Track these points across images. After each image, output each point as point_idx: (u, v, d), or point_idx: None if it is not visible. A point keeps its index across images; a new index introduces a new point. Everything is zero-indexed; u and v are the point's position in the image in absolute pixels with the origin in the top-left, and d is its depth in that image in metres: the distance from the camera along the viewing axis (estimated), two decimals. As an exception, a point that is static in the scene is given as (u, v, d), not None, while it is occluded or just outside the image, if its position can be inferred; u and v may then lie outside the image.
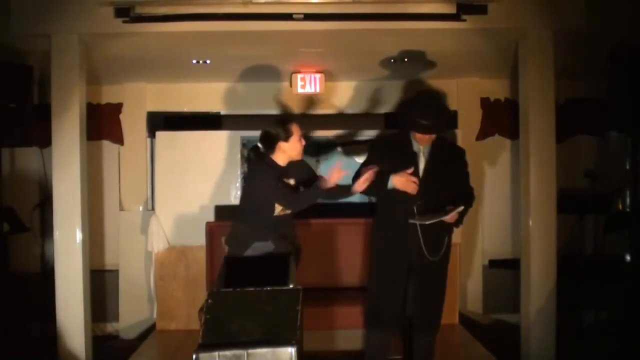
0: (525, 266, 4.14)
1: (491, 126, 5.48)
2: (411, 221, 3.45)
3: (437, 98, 3.60)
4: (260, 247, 3.57)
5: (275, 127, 3.56)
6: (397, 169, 3.49)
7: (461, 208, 3.41)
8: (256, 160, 3.61)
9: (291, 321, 2.79)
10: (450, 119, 3.55)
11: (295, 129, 3.55)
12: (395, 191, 3.47)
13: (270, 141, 3.56)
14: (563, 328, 4.20)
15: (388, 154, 3.61)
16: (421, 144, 3.55)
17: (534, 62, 4.05)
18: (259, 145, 3.63)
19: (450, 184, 3.54)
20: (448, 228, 3.59)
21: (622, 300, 4.59)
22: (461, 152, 3.74)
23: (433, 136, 3.53)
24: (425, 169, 3.53)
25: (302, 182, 3.67)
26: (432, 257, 3.51)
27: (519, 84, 4.22)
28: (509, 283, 5.13)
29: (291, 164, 3.63)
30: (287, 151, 3.56)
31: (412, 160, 3.55)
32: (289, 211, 3.60)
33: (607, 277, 4.90)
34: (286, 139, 3.53)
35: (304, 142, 3.60)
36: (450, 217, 3.43)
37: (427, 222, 3.41)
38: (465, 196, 3.58)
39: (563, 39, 4.04)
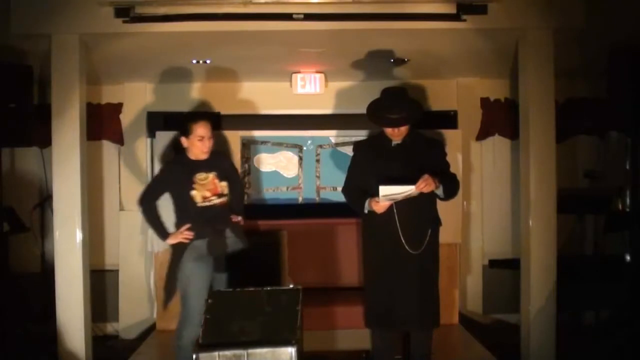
0: (525, 266, 4.14)
1: (491, 126, 5.48)
2: (381, 196, 3.45)
3: (400, 92, 3.66)
4: (198, 247, 3.57)
5: (183, 121, 3.67)
6: (377, 168, 3.59)
7: (425, 176, 3.41)
8: (175, 150, 3.73)
9: (291, 321, 2.79)
10: (415, 111, 3.62)
11: (198, 128, 3.60)
12: (375, 188, 3.50)
13: (179, 134, 3.68)
14: (563, 328, 4.20)
15: (368, 154, 3.72)
16: (395, 140, 3.64)
17: (534, 62, 4.05)
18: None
19: (431, 172, 3.54)
20: (429, 220, 3.63)
21: (622, 300, 4.59)
22: (438, 143, 3.85)
23: (404, 130, 3.60)
24: (404, 164, 3.58)
25: (225, 177, 3.68)
26: (412, 250, 3.53)
27: (519, 84, 4.22)
28: (509, 283, 5.13)
29: (212, 158, 3.67)
30: (188, 147, 3.64)
31: (390, 157, 3.62)
32: (215, 201, 3.60)
33: (607, 277, 4.90)
34: (187, 136, 3.61)
35: (208, 143, 3.62)
36: (419, 187, 3.41)
37: (394, 195, 3.43)
38: (444, 174, 3.62)
39: (563, 39, 4.04)
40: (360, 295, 3.94)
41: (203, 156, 3.64)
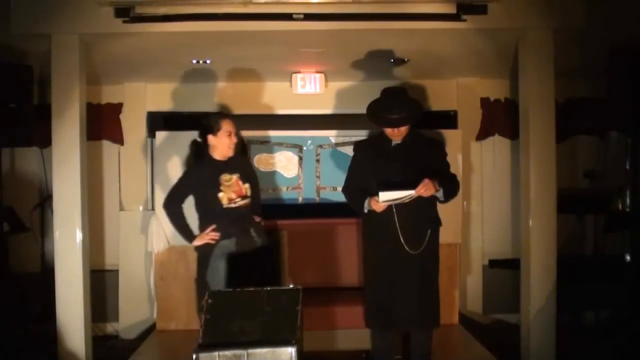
0: (525, 266, 4.14)
1: (491, 126, 5.48)
2: (382, 199, 3.46)
3: (400, 92, 3.67)
4: (226, 246, 3.60)
5: (207, 119, 3.69)
6: (377, 168, 3.60)
7: (425, 181, 3.43)
8: (195, 153, 3.73)
9: (291, 321, 2.79)
10: (415, 111, 3.64)
11: (225, 125, 3.65)
12: (375, 188, 3.51)
13: (202, 133, 3.69)
14: (563, 328, 4.20)
15: (368, 154, 3.73)
16: (395, 140, 3.64)
17: (534, 62, 4.05)
18: (198, 139, 3.73)
19: (431, 173, 3.55)
20: (429, 221, 3.62)
21: (622, 300, 4.59)
22: (439, 143, 3.86)
23: (404, 130, 3.60)
24: (404, 164, 3.58)
25: (247, 179, 3.72)
26: (412, 250, 3.53)
27: (519, 84, 4.22)
28: (509, 283, 5.13)
29: (234, 160, 3.71)
30: (216, 145, 3.65)
31: (390, 157, 3.62)
32: (240, 202, 3.63)
33: (607, 277, 4.90)
34: (214, 132, 3.63)
35: (234, 139, 3.67)
36: (418, 191, 3.43)
37: (394, 198, 3.45)
38: (445, 177, 3.62)
39: (563, 39, 4.04)
40: (360, 295, 3.94)
41: (229, 153, 3.68)
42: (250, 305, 2.86)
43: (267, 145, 5.30)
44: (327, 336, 4.42)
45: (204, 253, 3.64)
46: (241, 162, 3.83)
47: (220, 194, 3.59)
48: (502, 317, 5.40)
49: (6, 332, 4.38)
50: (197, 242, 3.64)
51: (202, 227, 3.66)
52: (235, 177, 3.66)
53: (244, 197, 3.67)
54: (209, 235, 3.59)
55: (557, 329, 4.06)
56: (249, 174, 3.81)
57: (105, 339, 5.19)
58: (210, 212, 3.63)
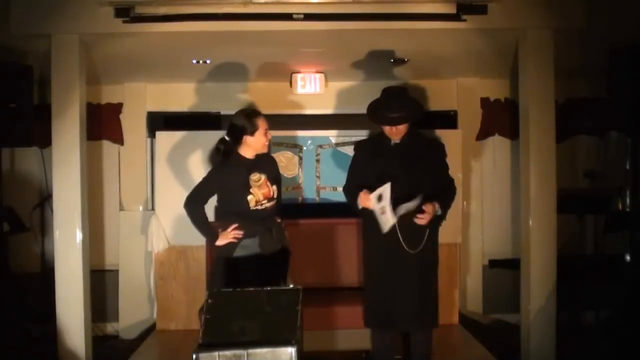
0: (525, 266, 4.14)
1: (491, 126, 5.48)
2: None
3: (400, 91, 3.67)
4: (249, 245, 3.56)
5: (241, 119, 3.61)
6: (377, 167, 3.60)
7: (427, 215, 3.47)
8: (223, 152, 3.66)
9: (291, 321, 2.79)
10: (415, 110, 3.64)
11: (262, 123, 3.60)
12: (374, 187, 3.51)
13: (237, 134, 3.61)
14: (563, 328, 4.20)
15: (368, 154, 3.73)
16: (394, 139, 3.64)
17: (534, 62, 4.05)
18: (226, 137, 3.66)
19: (430, 175, 3.57)
20: (429, 220, 3.61)
21: (622, 300, 4.59)
22: (439, 145, 3.84)
23: (402, 129, 3.60)
24: (402, 163, 3.58)
25: (274, 181, 3.68)
26: (411, 249, 3.53)
27: (519, 84, 4.22)
28: (509, 283, 5.13)
29: (262, 159, 3.67)
30: (252, 144, 3.61)
31: (389, 156, 3.62)
32: (266, 204, 3.59)
33: (607, 277, 4.90)
34: (252, 133, 3.58)
35: (269, 136, 3.65)
36: (421, 217, 3.48)
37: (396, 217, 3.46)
38: (443, 193, 3.63)
39: (563, 39, 4.04)
40: (360, 295, 3.94)
41: (265, 150, 3.65)
42: (250, 305, 2.86)
43: (267, 145, 5.30)
44: (327, 336, 4.42)
45: (225, 252, 3.57)
46: (270, 162, 3.76)
47: (249, 197, 3.52)
48: (502, 317, 5.40)
49: (6, 332, 4.38)
50: (220, 242, 3.57)
51: (224, 226, 3.60)
52: (264, 177, 3.59)
53: (270, 199, 3.60)
54: (232, 234, 3.54)
55: (557, 329, 4.07)
56: (276, 176, 3.74)
57: (105, 339, 5.19)
58: (235, 212, 3.57)
